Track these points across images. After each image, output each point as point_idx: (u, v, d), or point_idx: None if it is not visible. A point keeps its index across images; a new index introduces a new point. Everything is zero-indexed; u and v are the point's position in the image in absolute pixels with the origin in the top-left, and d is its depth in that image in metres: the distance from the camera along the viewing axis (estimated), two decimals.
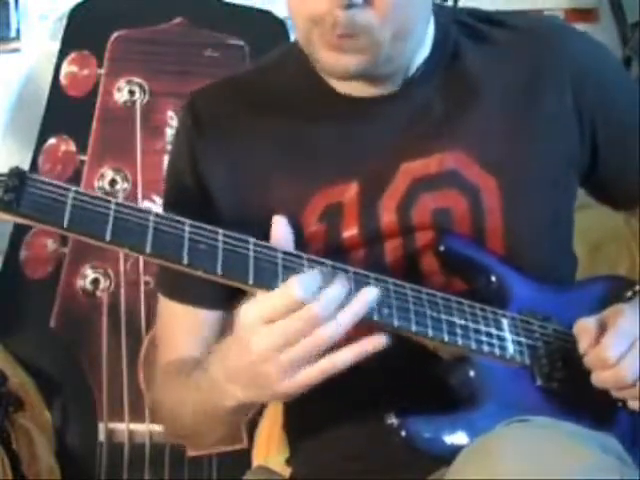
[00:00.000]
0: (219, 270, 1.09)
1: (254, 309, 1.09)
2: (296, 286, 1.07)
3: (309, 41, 1.22)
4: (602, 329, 1.20)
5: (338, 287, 1.09)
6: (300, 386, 1.11)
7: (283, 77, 1.32)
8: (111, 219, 1.07)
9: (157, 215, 1.10)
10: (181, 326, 1.35)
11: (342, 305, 1.09)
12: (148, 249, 1.08)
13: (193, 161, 1.32)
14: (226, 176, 1.30)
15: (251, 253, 1.11)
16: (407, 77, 1.29)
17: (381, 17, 1.18)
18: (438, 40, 1.31)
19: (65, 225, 1.05)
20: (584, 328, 1.22)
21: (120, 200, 1.10)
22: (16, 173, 1.05)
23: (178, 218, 1.11)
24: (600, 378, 1.20)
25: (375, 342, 1.11)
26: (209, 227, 1.12)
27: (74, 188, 1.07)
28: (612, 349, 1.18)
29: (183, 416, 1.29)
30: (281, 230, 1.17)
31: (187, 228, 1.10)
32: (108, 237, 1.07)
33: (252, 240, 1.12)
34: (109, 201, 1.09)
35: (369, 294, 1.11)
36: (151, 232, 1.08)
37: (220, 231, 1.12)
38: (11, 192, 1.04)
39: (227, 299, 1.28)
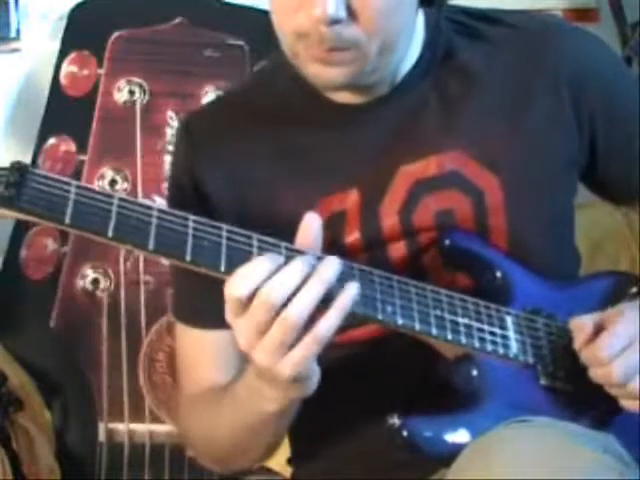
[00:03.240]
0: (222, 267, 1.08)
1: (227, 305, 1.07)
2: (236, 281, 1.06)
3: (295, 54, 1.21)
4: (599, 328, 1.20)
5: (288, 272, 1.06)
6: (296, 364, 1.07)
7: (276, 89, 1.32)
8: (114, 215, 1.05)
9: (160, 211, 1.08)
10: (204, 352, 1.33)
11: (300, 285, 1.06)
12: (151, 246, 1.07)
13: (193, 181, 1.31)
14: (227, 193, 1.30)
15: (255, 250, 1.10)
16: (397, 80, 1.29)
17: (367, 31, 1.17)
18: (429, 40, 1.30)
19: (67, 221, 1.04)
20: (579, 325, 1.22)
21: (122, 196, 1.09)
22: (17, 168, 1.03)
23: (181, 214, 1.09)
24: (592, 374, 1.20)
25: (348, 293, 1.08)
26: (213, 223, 1.10)
27: (76, 183, 1.05)
28: (605, 349, 1.18)
29: (219, 438, 1.27)
30: (314, 228, 1.12)
31: (191, 224, 1.09)
32: (111, 233, 1.05)
33: (255, 236, 1.11)
34: (112, 196, 1.07)
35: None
36: (154, 228, 1.07)
37: (224, 227, 1.10)
38: (12, 187, 1.02)
39: None
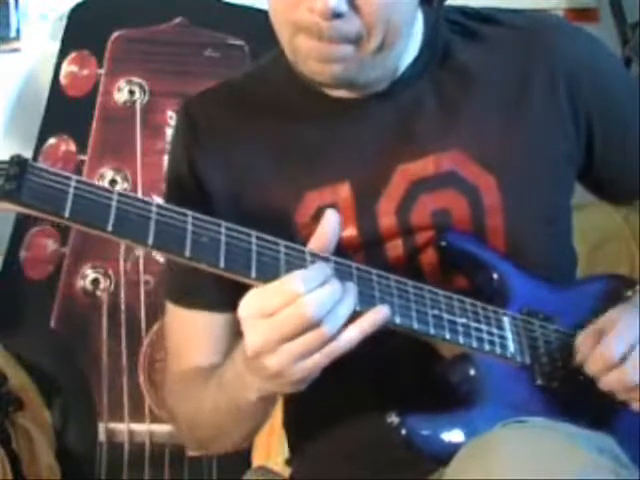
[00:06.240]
0: (222, 263, 1.08)
1: (252, 302, 1.07)
2: (297, 280, 1.06)
3: (294, 49, 1.21)
4: (599, 335, 1.20)
5: (332, 287, 1.07)
6: (307, 373, 1.09)
7: (275, 81, 1.32)
8: (113, 210, 1.05)
9: (159, 206, 1.08)
10: (192, 334, 1.33)
11: (337, 304, 1.07)
12: (150, 241, 1.06)
13: (191, 165, 1.31)
14: (223, 179, 1.30)
15: (254, 247, 1.10)
16: (395, 77, 1.29)
17: (368, 25, 1.17)
18: (428, 39, 1.30)
19: (67, 215, 1.03)
20: (582, 338, 1.22)
21: (122, 191, 1.08)
22: (17, 161, 1.02)
23: (180, 210, 1.09)
24: (606, 381, 1.19)
25: (377, 315, 1.10)
26: (212, 219, 1.10)
27: (76, 177, 1.05)
28: (613, 347, 1.17)
29: (202, 421, 1.27)
30: (332, 223, 1.14)
31: (190, 220, 1.09)
32: (110, 228, 1.05)
33: (254, 233, 1.11)
34: (111, 191, 1.06)
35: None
36: (153, 224, 1.06)
37: (223, 224, 1.10)
38: (12, 181, 1.01)
39: (237, 300, 1.28)
